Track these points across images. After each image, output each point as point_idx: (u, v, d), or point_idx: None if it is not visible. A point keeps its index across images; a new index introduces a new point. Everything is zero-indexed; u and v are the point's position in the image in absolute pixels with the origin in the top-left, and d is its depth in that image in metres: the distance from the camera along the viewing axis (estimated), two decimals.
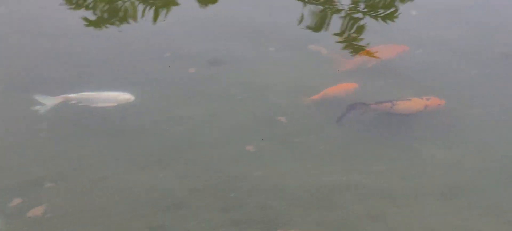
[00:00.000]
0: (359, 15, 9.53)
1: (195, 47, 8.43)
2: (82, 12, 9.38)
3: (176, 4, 9.74)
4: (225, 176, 6.36)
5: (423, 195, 6.23)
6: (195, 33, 8.86)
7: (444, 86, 7.73)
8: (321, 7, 9.78)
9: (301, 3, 9.87)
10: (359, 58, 8.29)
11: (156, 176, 6.34)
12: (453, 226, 5.91)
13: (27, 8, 9.42)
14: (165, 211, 5.94)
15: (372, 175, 6.45)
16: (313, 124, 7.10)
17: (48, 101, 7.18)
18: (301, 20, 9.37)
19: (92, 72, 7.87)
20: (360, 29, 9.12)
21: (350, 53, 8.49)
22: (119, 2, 9.76)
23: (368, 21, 9.34)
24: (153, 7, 9.59)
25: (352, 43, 8.77)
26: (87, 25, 9.04)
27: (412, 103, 7.34)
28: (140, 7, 9.61)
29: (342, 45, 8.71)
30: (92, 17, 9.25)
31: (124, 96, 7.32)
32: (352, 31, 9.07)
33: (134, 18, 9.27)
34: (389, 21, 9.34)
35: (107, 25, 9.15)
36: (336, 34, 8.97)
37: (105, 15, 9.42)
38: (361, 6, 9.86)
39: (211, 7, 9.75)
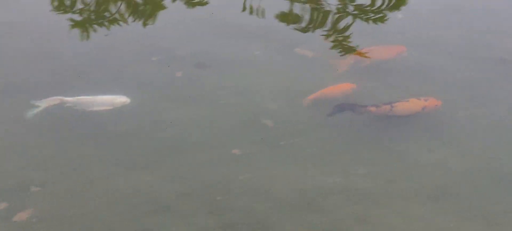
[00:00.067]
0: (349, 18, 9.56)
1: (182, 51, 8.43)
2: (70, 16, 9.36)
3: (164, 8, 9.73)
4: (212, 180, 6.36)
5: (409, 198, 6.24)
6: (182, 37, 8.85)
7: (430, 88, 7.75)
8: (308, 7, 9.80)
9: (288, 5, 9.88)
10: (350, 59, 8.30)
11: (142, 180, 6.34)
12: (439, 228, 5.93)
13: (16, 13, 9.41)
14: (152, 215, 5.94)
15: (358, 177, 6.46)
16: (299, 127, 7.11)
17: (43, 104, 7.17)
18: (289, 21, 9.40)
19: (78, 76, 7.85)
20: (346, 29, 9.15)
21: (339, 54, 8.50)
22: (108, 6, 9.76)
23: (357, 22, 9.36)
24: (142, 9, 9.60)
25: (342, 43, 8.79)
26: (72, 26, 9.02)
27: (410, 104, 7.36)
28: (128, 9, 9.60)
29: (330, 46, 8.72)
30: (79, 21, 9.22)
31: (121, 99, 7.32)
32: (341, 33, 9.08)
33: (124, 21, 9.26)
34: (379, 23, 9.36)
35: (94, 28, 9.12)
36: (324, 35, 9.00)
37: (92, 18, 9.40)
38: (350, 8, 9.88)
39: (199, 9, 9.74)
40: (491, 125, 7.28)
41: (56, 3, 9.74)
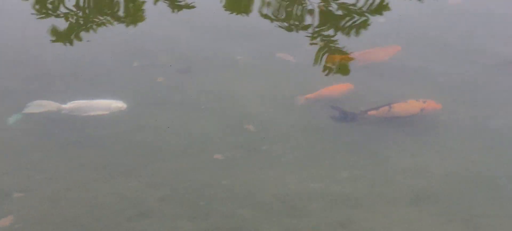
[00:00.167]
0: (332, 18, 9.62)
1: (163, 56, 8.43)
2: (51, 21, 9.33)
3: (143, 19, 9.69)
4: (194, 185, 6.36)
5: (391, 202, 6.27)
6: (164, 42, 8.85)
7: (411, 90, 7.80)
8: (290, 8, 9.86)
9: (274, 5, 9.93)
10: (335, 61, 8.36)
11: (124, 185, 6.33)
12: None
13: None
14: (134, 220, 5.93)
15: (341, 182, 6.48)
16: (281, 132, 7.12)
17: (39, 109, 7.16)
18: (273, 21, 9.44)
19: (59, 82, 7.83)
20: (329, 33, 9.20)
21: (322, 57, 8.54)
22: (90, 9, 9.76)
23: (341, 26, 9.41)
24: (124, 14, 9.60)
25: (327, 46, 8.83)
26: (53, 38, 8.99)
27: (408, 106, 7.39)
28: (110, 13, 9.60)
29: (313, 50, 8.75)
30: (60, 27, 9.19)
31: (117, 104, 7.31)
32: (326, 37, 9.12)
33: (110, 23, 9.25)
34: (361, 29, 9.41)
35: (76, 34, 9.09)
36: (308, 36, 9.05)
37: (74, 24, 9.37)
38: (334, 6, 9.93)
39: (180, 14, 9.75)
40: (473, 128, 7.32)
41: (37, 6, 9.73)
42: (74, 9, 9.68)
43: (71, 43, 8.83)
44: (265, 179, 6.48)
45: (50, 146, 6.81)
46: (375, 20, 9.65)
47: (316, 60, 8.43)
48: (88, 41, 8.87)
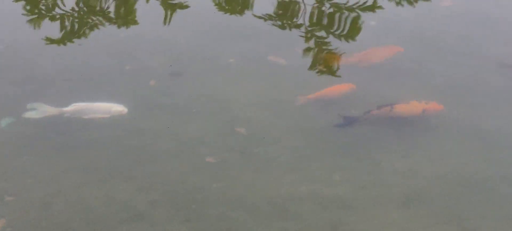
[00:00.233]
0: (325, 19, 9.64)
1: (155, 60, 8.43)
2: (43, 24, 9.32)
3: (136, 23, 9.67)
4: (186, 188, 6.36)
5: (382, 204, 6.28)
6: (156, 46, 8.84)
7: (404, 92, 7.82)
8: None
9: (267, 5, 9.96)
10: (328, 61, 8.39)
11: (116, 188, 6.32)
12: None
13: None
14: (125, 223, 5.92)
15: (332, 184, 6.49)
16: (272, 135, 7.13)
17: (41, 113, 7.16)
18: (269, 18, 9.47)
19: (51, 86, 7.82)
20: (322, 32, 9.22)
21: (316, 58, 8.57)
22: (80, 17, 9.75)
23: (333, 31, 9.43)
24: (115, 17, 9.60)
25: (319, 47, 8.84)
26: (46, 41, 8.97)
27: (410, 107, 7.39)
28: (101, 16, 9.60)
29: (305, 52, 8.77)
30: (52, 31, 9.17)
31: (117, 108, 7.31)
32: (319, 38, 9.13)
33: (101, 23, 9.25)
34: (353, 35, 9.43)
35: (68, 38, 9.08)
36: (301, 36, 9.07)
37: (67, 28, 9.37)
38: (327, 4, 9.94)
39: (173, 15, 9.76)
40: (464, 130, 7.34)
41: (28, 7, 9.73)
42: (67, 10, 9.68)
43: (61, 47, 8.81)
44: (257, 182, 6.48)
45: (42, 149, 6.81)
46: (367, 23, 9.68)
47: (313, 65, 8.44)
48: (80, 44, 8.86)
